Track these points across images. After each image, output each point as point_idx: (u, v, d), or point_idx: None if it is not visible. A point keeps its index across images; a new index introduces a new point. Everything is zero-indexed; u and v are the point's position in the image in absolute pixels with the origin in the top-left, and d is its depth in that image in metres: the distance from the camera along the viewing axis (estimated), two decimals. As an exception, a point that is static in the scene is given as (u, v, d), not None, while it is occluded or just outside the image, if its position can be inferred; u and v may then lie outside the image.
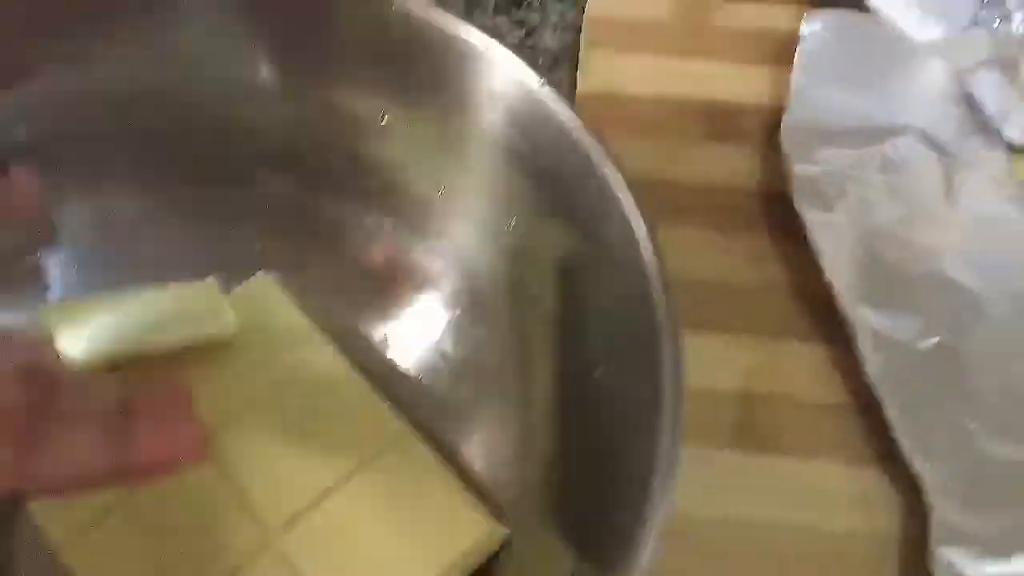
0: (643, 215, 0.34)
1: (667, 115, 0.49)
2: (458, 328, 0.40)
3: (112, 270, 0.41)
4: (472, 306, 0.40)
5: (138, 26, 0.39)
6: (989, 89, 0.46)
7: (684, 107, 0.49)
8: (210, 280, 0.37)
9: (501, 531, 0.35)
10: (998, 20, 0.47)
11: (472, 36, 0.37)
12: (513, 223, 0.38)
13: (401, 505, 0.35)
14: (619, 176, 0.34)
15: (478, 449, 0.38)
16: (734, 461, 0.39)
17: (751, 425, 0.40)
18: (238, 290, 0.39)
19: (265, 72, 0.40)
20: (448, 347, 0.40)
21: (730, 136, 0.48)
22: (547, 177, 0.37)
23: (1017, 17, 0.48)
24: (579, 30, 0.52)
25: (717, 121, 0.49)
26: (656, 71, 0.50)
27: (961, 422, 0.39)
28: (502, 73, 0.37)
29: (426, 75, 0.38)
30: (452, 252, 0.40)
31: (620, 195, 0.34)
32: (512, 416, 0.38)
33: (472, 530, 0.35)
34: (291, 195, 0.42)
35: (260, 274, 0.40)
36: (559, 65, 0.52)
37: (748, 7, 0.52)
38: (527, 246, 0.38)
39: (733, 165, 0.47)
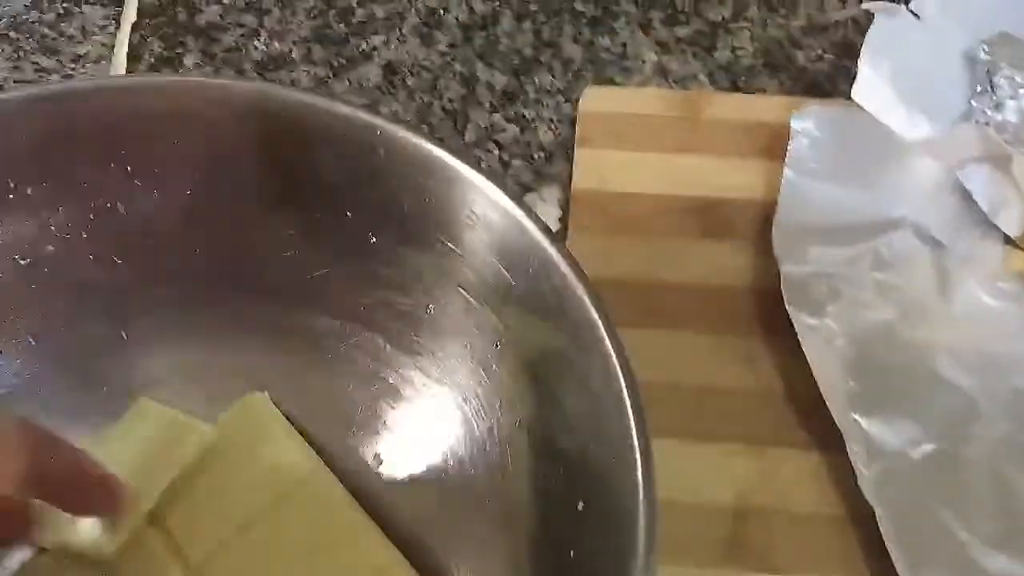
0: (614, 340, 0.34)
1: (659, 212, 0.49)
2: (447, 445, 0.41)
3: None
4: (461, 423, 0.40)
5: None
6: (982, 183, 0.46)
7: (676, 204, 0.49)
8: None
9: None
10: (990, 111, 0.47)
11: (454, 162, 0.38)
12: (499, 345, 0.39)
13: (311, 540, 0.37)
14: (596, 305, 0.34)
15: (468, 572, 0.39)
16: (726, 577, 0.39)
17: (744, 541, 0.40)
18: (231, 410, 0.40)
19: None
20: (438, 463, 0.41)
21: (723, 233, 0.48)
22: (529, 300, 0.37)
23: (1010, 106, 0.47)
24: (573, 124, 0.53)
25: (709, 218, 0.49)
26: (648, 167, 0.50)
27: (954, 533, 0.39)
28: (484, 197, 0.37)
29: (412, 199, 0.39)
30: (441, 369, 0.41)
31: (600, 324, 0.34)
32: (499, 540, 0.38)
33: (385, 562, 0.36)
34: (285, 314, 0.42)
35: (255, 393, 0.41)
36: (554, 160, 0.52)
37: (737, 99, 0.52)
38: (511, 366, 0.38)
39: (726, 263, 0.47)
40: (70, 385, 0.42)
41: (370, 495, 0.40)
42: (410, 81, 0.55)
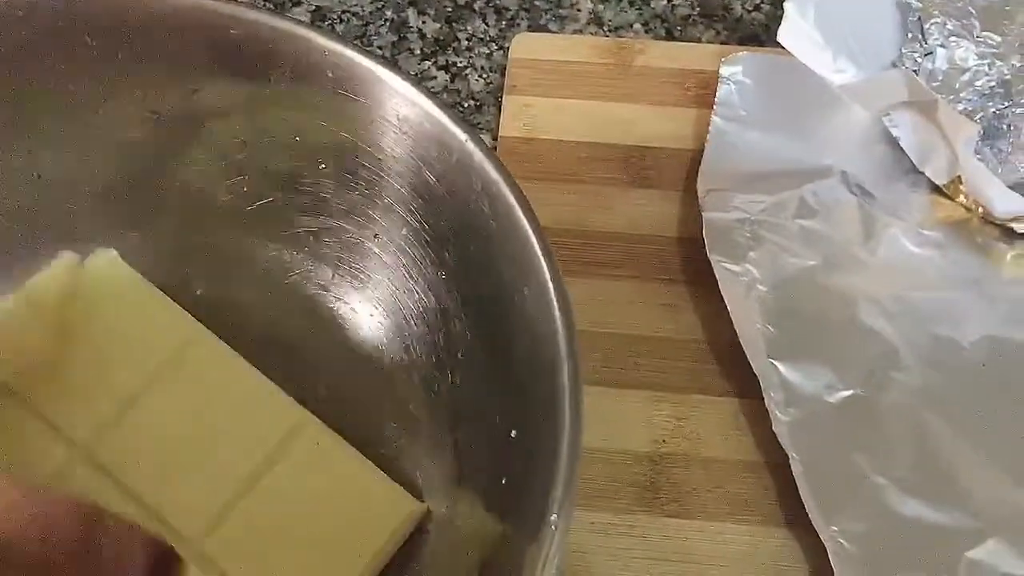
0: (556, 282, 0.32)
1: (588, 160, 0.48)
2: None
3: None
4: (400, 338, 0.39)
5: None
6: (908, 130, 0.45)
7: (605, 152, 0.48)
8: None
9: (422, 507, 0.35)
10: (920, 58, 0.47)
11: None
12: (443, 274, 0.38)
13: (318, 494, 0.35)
14: (538, 233, 0.33)
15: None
16: (641, 525, 0.39)
17: (660, 487, 0.40)
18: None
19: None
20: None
21: (651, 181, 0.48)
22: (468, 229, 0.36)
23: (940, 54, 0.47)
24: (503, 73, 0.52)
25: (638, 166, 0.48)
26: (578, 115, 0.49)
27: (869, 478, 0.38)
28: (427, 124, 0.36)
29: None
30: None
31: (540, 254, 0.33)
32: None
33: (394, 510, 0.35)
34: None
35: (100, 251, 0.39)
36: (483, 109, 0.52)
37: (670, 48, 0.51)
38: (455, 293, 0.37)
39: (653, 211, 0.47)
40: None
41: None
42: (339, 27, 0.54)
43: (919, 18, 0.47)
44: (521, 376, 0.32)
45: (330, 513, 0.35)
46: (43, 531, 0.24)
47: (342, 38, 0.38)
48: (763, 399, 0.40)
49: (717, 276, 0.42)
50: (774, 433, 0.39)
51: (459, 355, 0.36)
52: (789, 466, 0.39)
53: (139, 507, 0.34)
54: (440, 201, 0.36)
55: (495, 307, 0.34)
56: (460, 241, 0.36)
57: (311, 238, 0.40)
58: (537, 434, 0.31)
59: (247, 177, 0.39)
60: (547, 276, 0.31)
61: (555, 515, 0.28)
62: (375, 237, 0.39)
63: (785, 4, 0.45)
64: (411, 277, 0.38)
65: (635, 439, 0.41)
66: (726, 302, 0.42)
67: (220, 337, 0.38)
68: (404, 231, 0.37)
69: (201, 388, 0.36)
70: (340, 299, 0.40)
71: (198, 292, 0.40)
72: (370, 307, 0.40)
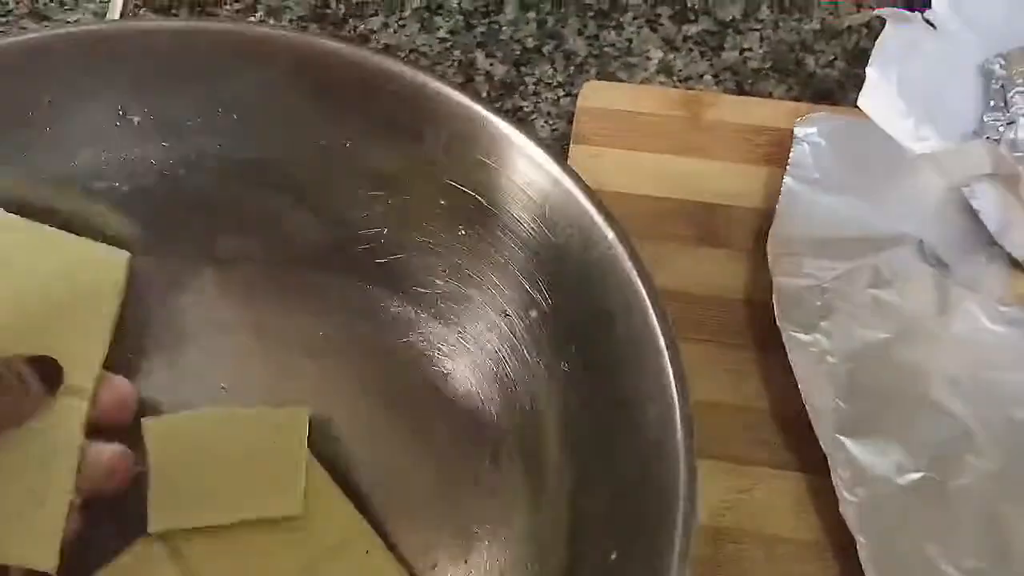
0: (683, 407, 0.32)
1: (653, 215, 0.47)
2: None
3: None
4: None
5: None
6: (990, 202, 0.44)
7: (672, 207, 0.47)
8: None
9: None
10: (1002, 127, 0.45)
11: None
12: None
13: None
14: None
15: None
16: (697, 601, 0.38)
17: (717, 562, 0.38)
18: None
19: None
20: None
21: (719, 240, 0.47)
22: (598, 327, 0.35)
23: (1023, 123, 0.45)
24: (571, 120, 0.51)
25: (705, 223, 0.47)
26: (645, 167, 0.48)
27: (938, 567, 0.37)
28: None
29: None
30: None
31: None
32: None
33: None
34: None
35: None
36: (549, 156, 0.51)
37: (741, 103, 0.50)
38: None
39: (719, 271, 0.46)
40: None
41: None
42: (406, 66, 0.53)
43: (1002, 86, 0.46)
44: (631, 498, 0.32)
45: None
46: None
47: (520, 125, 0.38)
48: (829, 476, 0.39)
49: (786, 344, 0.41)
50: (839, 514, 0.38)
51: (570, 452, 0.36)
52: (854, 549, 0.37)
53: None
54: (574, 292, 0.35)
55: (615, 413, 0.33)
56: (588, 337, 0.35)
57: (438, 300, 0.40)
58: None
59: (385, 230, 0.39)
60: (675, 399, 0.31)
61: None
62: (503, 313, 0.38)
63: (867, 69, 0.44)
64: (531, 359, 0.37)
65: (694, 510, 0.40)
66: (795, 372, 0.40)
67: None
68: (534, 313, 0.37)
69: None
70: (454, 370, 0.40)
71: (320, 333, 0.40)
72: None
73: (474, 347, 0.39)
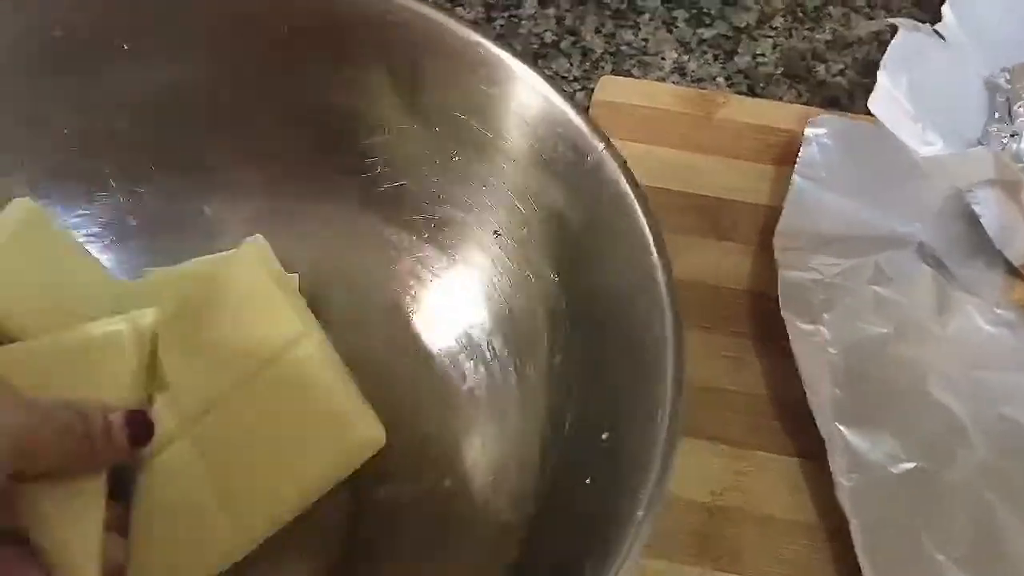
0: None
1: (665, 207, 0.48)
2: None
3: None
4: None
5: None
6: (991, 208, 0.45)
7: (682, 200, 0.49)
8: None
9: (380, 440, 0.34)
10: (1006, 138, 0.47)
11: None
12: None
13: (293, 406, 0.35)
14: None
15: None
16: None
17: (714, 538, 0.39)
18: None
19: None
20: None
21: (726, 233, 0.48)
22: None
23: (1026, 135, 0.47)
24: (587, 112, 0.52)
25: (714, 217, 0.48)
26: (657, 161, 0.50)
27: (928, 552, 0.38)
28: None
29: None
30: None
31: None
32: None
33: (356, 433, 0.34)
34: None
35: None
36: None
37: (752, 104, 0.51)
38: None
39: (726, 262, 0.47)
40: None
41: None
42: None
43: (1007, 99, 0.48)
44: (620, 379, 0.33)
45: (300, 423, 0.35)
46: None
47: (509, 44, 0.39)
48: (824, 461, 0.40)
49: (789, 333, 0.42)
50: (834, 497, 0.39)
51: (560, 352, 0.37)
52: (847, 531, 0.38)
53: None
54: (565, 203, 0.37)
55: (605, 306, 0.35)
56: (578, 245, 0.36)
57: (432, 225, 0.41)
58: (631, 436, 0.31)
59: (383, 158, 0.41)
60: (663, 292, 0.33)
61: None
62: (495, 233, 0.39)
63: (878, 73, 0.45)
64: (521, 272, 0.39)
65: (692, 487, 0.41)
66: (796, 360, 0.42)
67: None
68: (524, 231, 0.38)
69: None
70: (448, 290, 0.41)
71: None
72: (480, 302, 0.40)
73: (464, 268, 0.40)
